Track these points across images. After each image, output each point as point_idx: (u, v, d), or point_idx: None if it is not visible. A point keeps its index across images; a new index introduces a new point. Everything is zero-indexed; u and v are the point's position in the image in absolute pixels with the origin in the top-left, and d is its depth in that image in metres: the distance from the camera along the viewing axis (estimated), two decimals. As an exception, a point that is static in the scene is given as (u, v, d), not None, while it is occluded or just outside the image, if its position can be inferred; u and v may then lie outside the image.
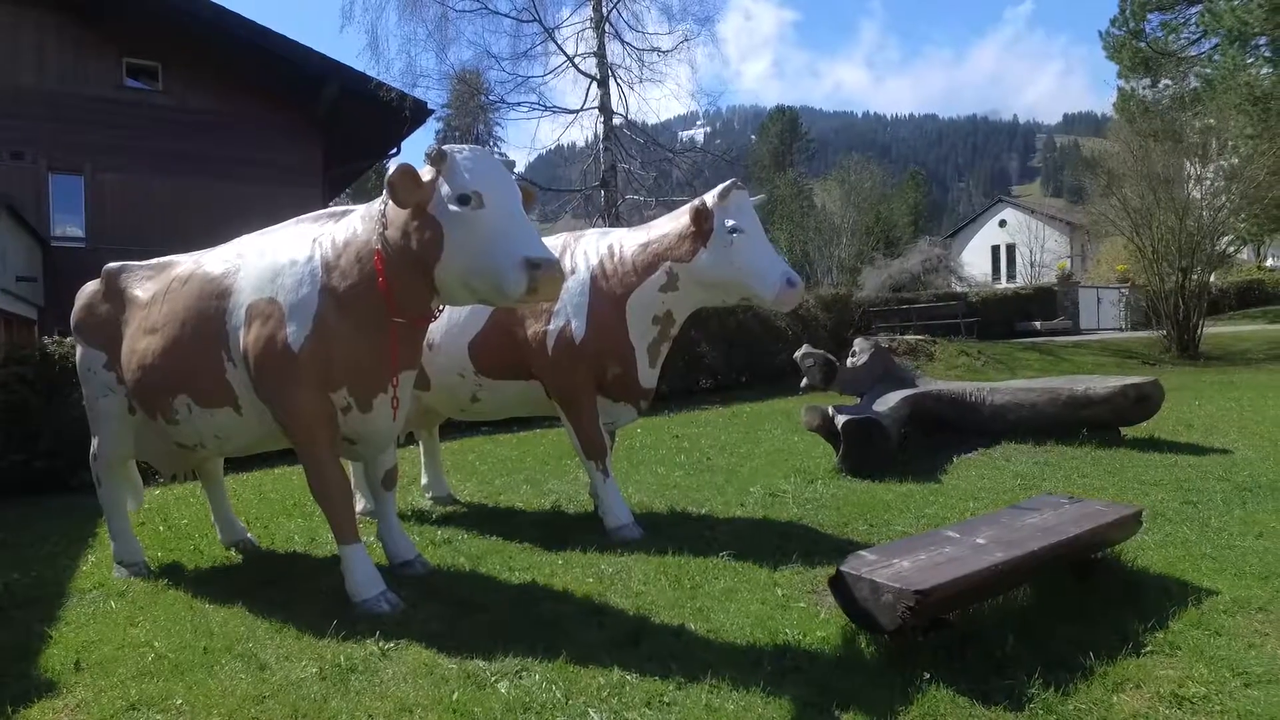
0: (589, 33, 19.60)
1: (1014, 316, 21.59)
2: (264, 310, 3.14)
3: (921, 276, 39.87)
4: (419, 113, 17.04)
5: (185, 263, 3.58)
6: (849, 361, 6.87)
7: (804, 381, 5.93)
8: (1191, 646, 2.52)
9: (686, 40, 19.88)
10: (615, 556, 3.64)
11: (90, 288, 3.87)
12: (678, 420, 9.06)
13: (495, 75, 20.07)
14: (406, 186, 2.78)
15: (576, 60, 19.78)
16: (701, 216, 3.70)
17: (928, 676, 2.29)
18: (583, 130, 22.21)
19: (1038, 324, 21.62)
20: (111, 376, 3.70)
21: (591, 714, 2.19)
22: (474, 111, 21.00)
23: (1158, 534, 3.73)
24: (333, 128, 17.25)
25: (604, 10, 19.50)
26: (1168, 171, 16.18)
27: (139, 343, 3.48)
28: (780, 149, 69.29)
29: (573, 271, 4.00)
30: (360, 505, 4.38)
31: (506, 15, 18.74)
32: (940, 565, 2.44)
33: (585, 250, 4.09)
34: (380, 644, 2.71)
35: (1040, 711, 2.17)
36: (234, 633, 2.93)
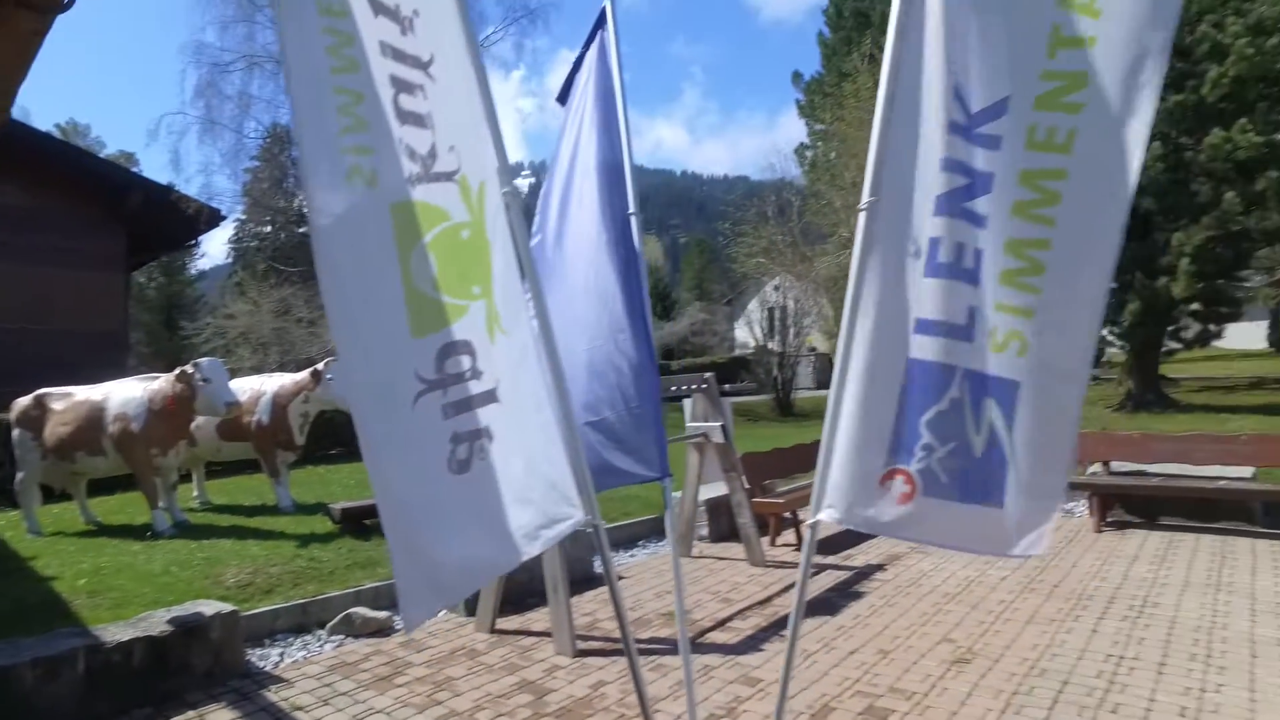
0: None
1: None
2: (121, 415, 7.90)
3: (690, 339, 46.24)
4: (214, 219, 20.94)
5: (80, 393, 8.22)
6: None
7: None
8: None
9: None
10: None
11: (23, 401, 8.35)
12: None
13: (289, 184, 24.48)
14: (185, 377, 7.72)
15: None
16: (317, 374, 8.88)
17: (348, 535, 7.50)
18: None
19: (726, 386, 28.55)
20: (36, 443, 8.20)
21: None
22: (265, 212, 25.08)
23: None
24: (136, 225, 20.71)
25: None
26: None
27: (55, 428, 8.08)
28: (581, 216, 75.68)
29: (264, 393, 9.04)
30: None
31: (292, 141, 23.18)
32: (363, 503, 7.70)
33: (272, 385, 9.13)
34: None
35: (377, 542, 7.42)
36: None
